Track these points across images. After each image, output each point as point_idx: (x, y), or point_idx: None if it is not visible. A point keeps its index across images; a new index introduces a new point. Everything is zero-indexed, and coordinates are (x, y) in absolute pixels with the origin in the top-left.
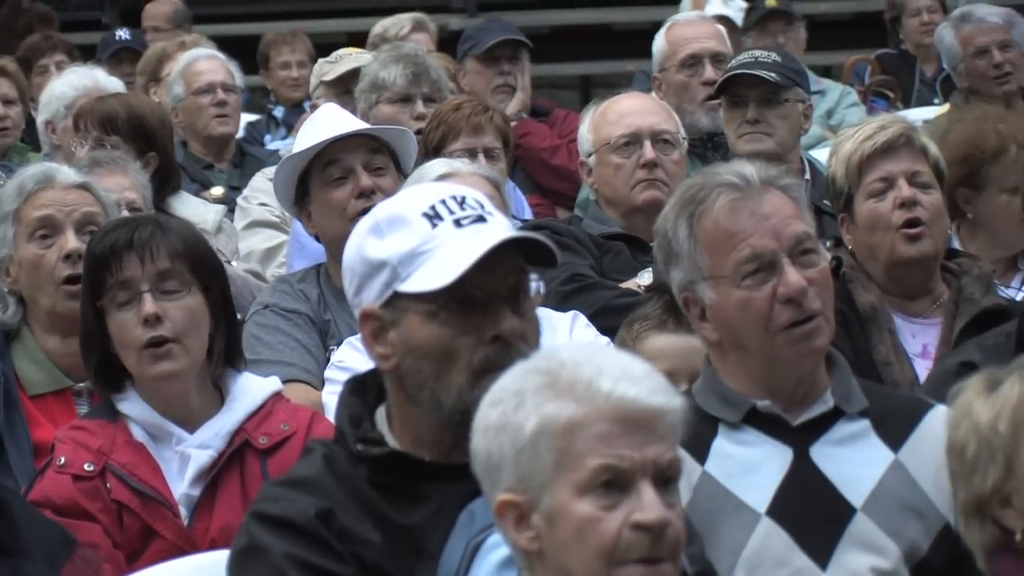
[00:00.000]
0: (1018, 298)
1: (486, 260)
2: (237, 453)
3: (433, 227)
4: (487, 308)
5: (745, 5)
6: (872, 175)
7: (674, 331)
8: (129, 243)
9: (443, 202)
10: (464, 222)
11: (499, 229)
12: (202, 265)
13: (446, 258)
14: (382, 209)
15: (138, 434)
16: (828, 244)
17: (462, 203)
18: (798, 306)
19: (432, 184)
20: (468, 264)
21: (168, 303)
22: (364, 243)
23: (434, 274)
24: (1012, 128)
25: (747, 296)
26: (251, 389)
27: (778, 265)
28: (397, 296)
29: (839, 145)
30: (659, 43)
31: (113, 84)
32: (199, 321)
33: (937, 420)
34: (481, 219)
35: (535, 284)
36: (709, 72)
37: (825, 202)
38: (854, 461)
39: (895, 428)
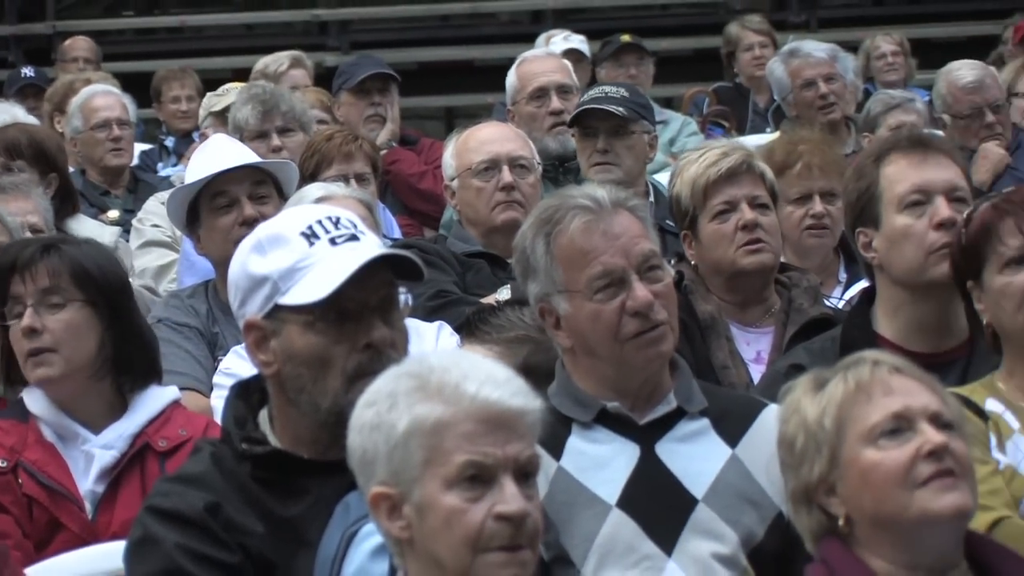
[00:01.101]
0: (840, 306)
1: (359, 275)
2: (138, 454)
3: (310, 245)
4: (360, 319)
5: (583, 38)
6: (717, 199)
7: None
8: (13, 264)
9: (319, 222)
10: (339, 240)
11: (370, 247)
12: (88, 281)
13: (322, 273)
14: (264, 229)
15: (47, 434)
16: (672, 260)
17: (337, 223)
18: (645, 317)
19: (309, 206)
20: (343, 279)
21: (49, 316)
22: (248, 260)
23: (312, 288)
24: (806, 147)
25: (598, 308)
26: (152, 397)
27: (627, 281)
28: (278, 308)
29: (684, 168)
30: (511, 78)
31: (30, 119)
32: (80, 332)
33: (769, 417)
34: (354, 238)
35: (403, 297)
36: (555, 103)
37: (668, 222)
38: (695, 456)
39: (732, 425)
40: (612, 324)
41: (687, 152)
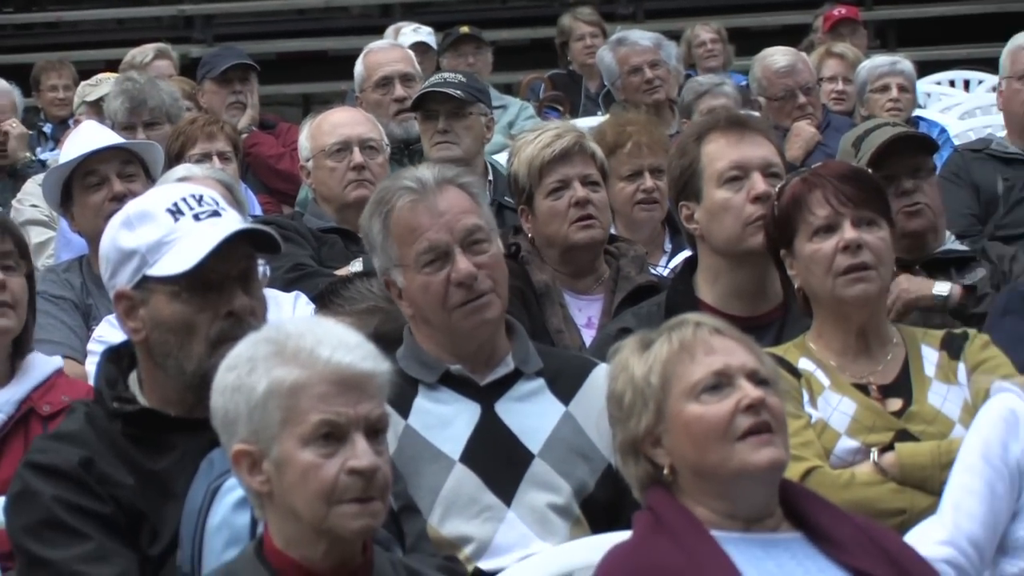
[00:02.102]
0: (665, 274)
1: (221, 248)
2: (24, 418)
3: (176, 221)
4: (222, 288)
5: (429, 30)
6: (551, 177)
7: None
8: None
9: (184, 200)
10: (202, 216)
11: (232, 222)
12: (26, 255)
13: (187, 247)
14: (132, 206)
15: None
16: (511, 233)
17: (200, 200)
18: (469, 288)
19: (175, 184)
20: (205, 252)
21: (9, 277)
22: (117, 235)
23: (177, 260)
24: (634, 128)
25: (427, 280)
26: (38, 365)
27: (451, 254)
28: (146, 279)
29: (520, 148)
30: (358, 68)
31: None
32: (25, 298)
33: (599, 376)
34: (216, 213)
35: (262, 268)
36: (398, 90)
37: (506, 198)
38: (532, 414)
39: (565, 385)
40: (440, 295)
41: (523, 133)
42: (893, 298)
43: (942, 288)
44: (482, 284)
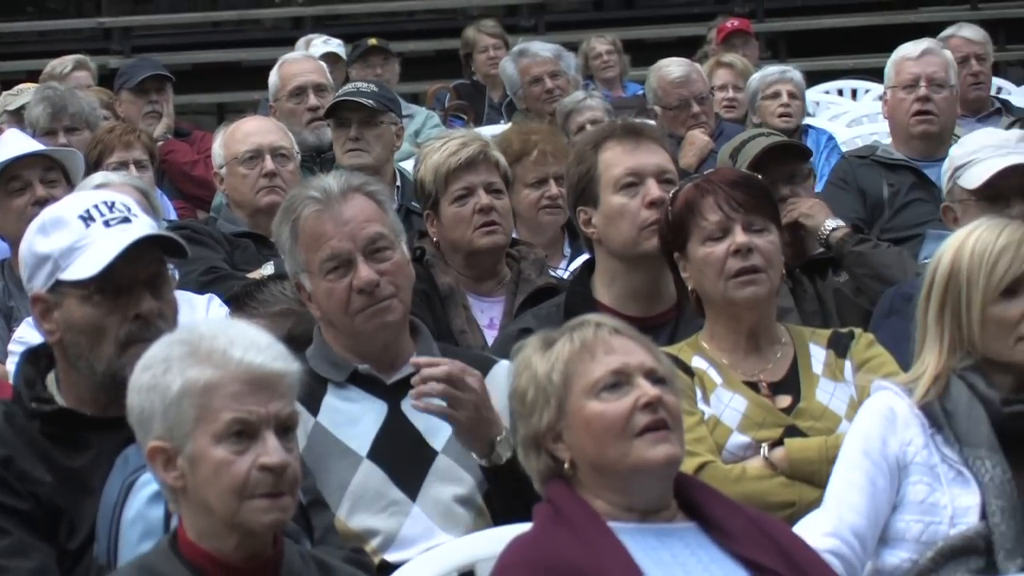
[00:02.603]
0: (564, 277)
1: (129, 253)
2: None
3: (87, 227)
4: (130, 292)
5: (339, 42)
6: (456, 184)
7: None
8: None
9: (96, 207)
10: (112, 223)
11: (141, 228)
12: None
13: (96, 252)
14: (47, 213)
15: None
16: (416, 238)
17: (112, 207)
18: (370, 294)
19: (89, 192)
20: (112, 256)
21: None
22: (33, 240)
23: (87, 265)
24: (538, 137)
25: (331, 287)
26: None
27: (353, 262)
28: (59, 283)
29: (427, 156)
30: (272, 78)
31: None
32: None
33: (501, 373)
34: (127, 220)
35: (172, 272)
36: (312, 99)
37: (413, 203)
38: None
39: None
40: (343, 300)
41: (430, 141)
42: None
43: (832, 223)
44: (384, 290)
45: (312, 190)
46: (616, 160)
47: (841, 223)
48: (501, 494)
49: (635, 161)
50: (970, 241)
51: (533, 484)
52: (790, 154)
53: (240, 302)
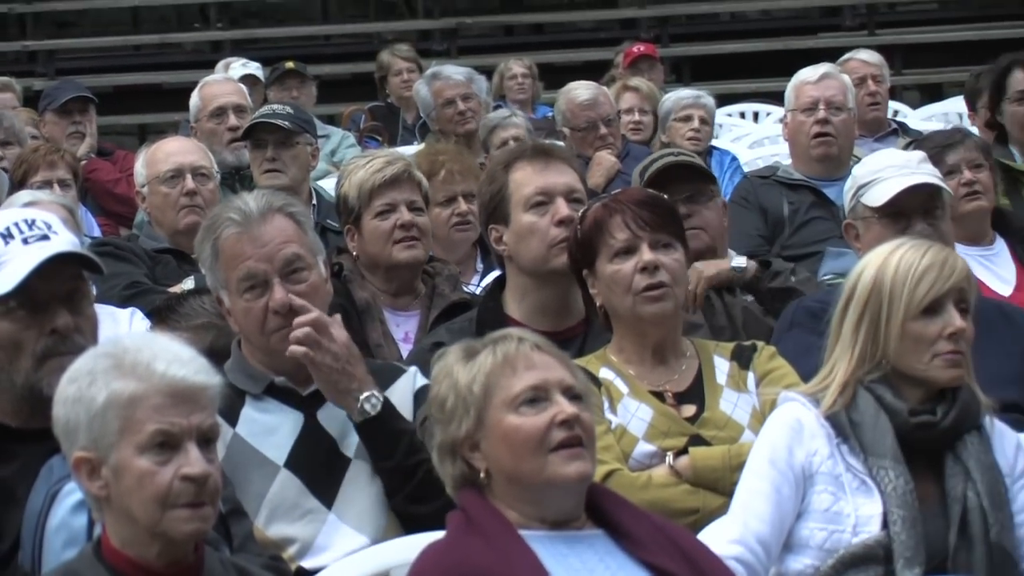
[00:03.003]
0: (477, 292)
1: (45, 269)
2: None
3: (6, 244)
4: (47, 307)
5: (258, 65)
6: (380, 200)
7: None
8: None
9: (16, 225)
10: (31, 240)
11: (58, 245)
12: None
13: (13, 269)
14: None
15: None
16: (334, 254)
17: (31, 225)
18: (284, 316)
19: (10, 211)
20: (27, 273)
21: None
22: None
23: (3, 281)
24: (446, 157)
25: (248, 306)
26: None
27: (269, 283)
28: None
29: (352, 172)
30: (194, 99)
31: None
32: None
33: (406, 380)
34: (45, 237)
35: (92, 287)
36: (232, 120)
37: (329, 221)
38: (349, 420)
39: (379, 388)
40: (259, 320)
41: (355, 158)
42: (695, 282)
43: (739, 261)
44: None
45: (233, 211)
46: (526, 180)
47: (742, 260)
48: (373, 448)
49: (544, 181)
50: (894, 259)
51: (400, 443)
52: (691, 174)
53: (162, 315)
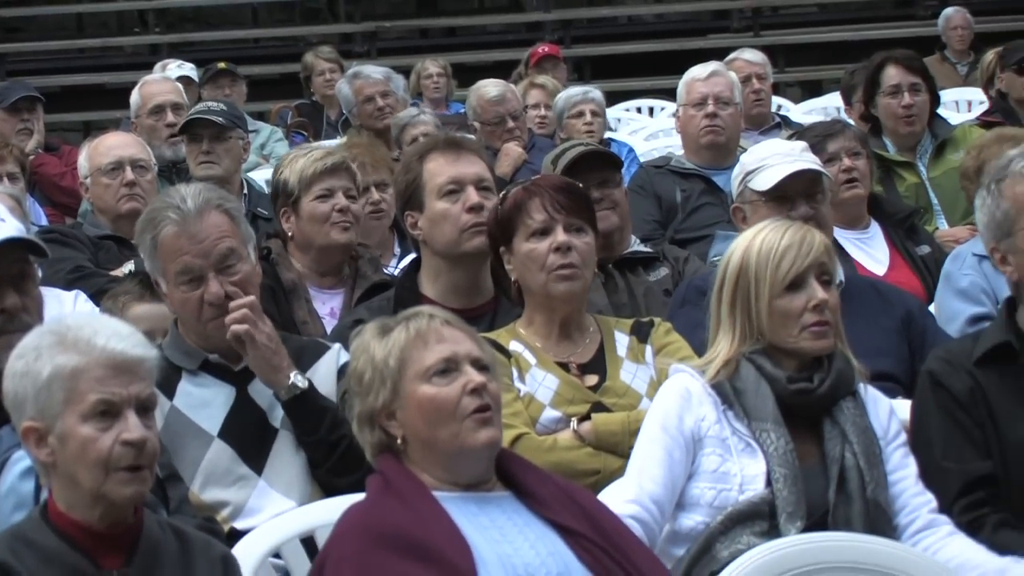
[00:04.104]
0: (396, 274)
1: None
2: None
3: None
4: None
5: (192, 66)
6: (319, 185)
7: (150, 301)
8: None
9: None
10: None
11: (6, 231)
12: None
13: None
14: None
15: None
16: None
17: None
18: (219, 307)
19: None
20: None
21: None
22: None
23: None
24: (358, 150)
25: (185, 297)
26: None
27: (205, 277)
28: None
29: (293, 160)
30: (134, 97)
31: None
32: None
33: (330, 355)
34: None
35: (38, 270)
36: (170, 117)
37: (259, 209)
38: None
39: (304, 365)
40: (195, 310)
41: (296, 149)
42: None
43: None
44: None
45: (171, 208)
46: (439, 170)
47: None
48: (298, 424)
49: (456, 170)
50: (757, 240)
51: (324, 419)
52: (601, 162)
53: (104, 297)
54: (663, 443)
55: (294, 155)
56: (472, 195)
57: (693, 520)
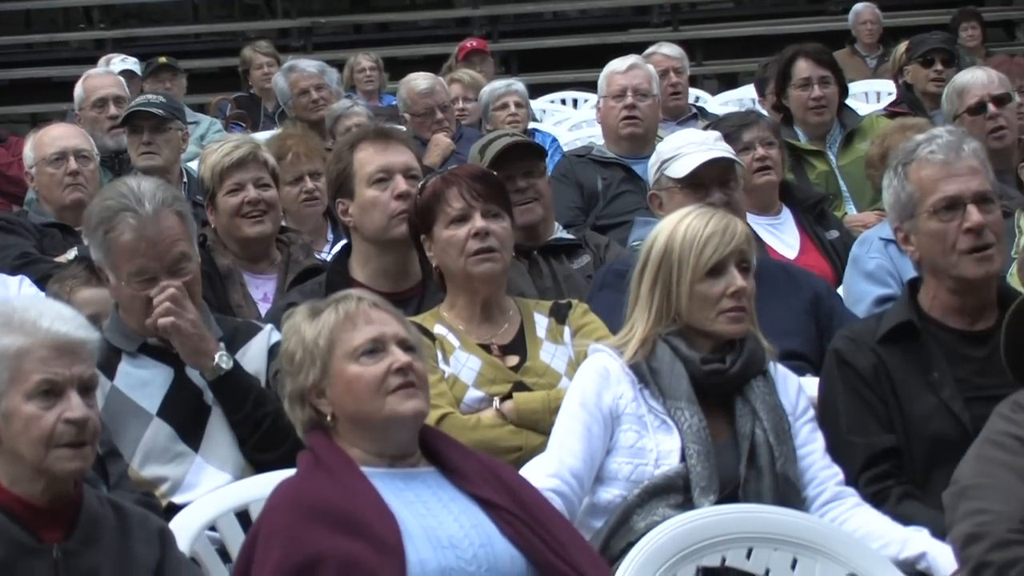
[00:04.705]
0: (327, 259)
1: None
2: None
3: None
4: None
5: (136, 60)
6: (230, 180)
7: (96, 286)
8: None
9: None
10: None
11: None
12: None
13: None
14: None
15: None
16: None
17: None
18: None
19: None
20: None
21: None
22: None
23: None
24: (292, 141)
25: (135, 294)
26: None
27: (158, 278)
28: None
29: (207, 155)
30: (78, 91)
31: None
32: None
33: (262, 336)
34: None
35: None
36: (112, 109)
37: (198, 197)
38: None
39: (239, 345)
40: (143, 307)
41: (211, 143)
42: None
43: None
44: (184, 300)
45: (129, 212)
46: (368, 159)
47: None
48: (224, 402)
49: (385, 159)
50: (682, 226)
51: (248, 396)
52: (526, 152)
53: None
54: (582, 419)
55: (208, 151)
56: (400, 183)
57: (611, 493)
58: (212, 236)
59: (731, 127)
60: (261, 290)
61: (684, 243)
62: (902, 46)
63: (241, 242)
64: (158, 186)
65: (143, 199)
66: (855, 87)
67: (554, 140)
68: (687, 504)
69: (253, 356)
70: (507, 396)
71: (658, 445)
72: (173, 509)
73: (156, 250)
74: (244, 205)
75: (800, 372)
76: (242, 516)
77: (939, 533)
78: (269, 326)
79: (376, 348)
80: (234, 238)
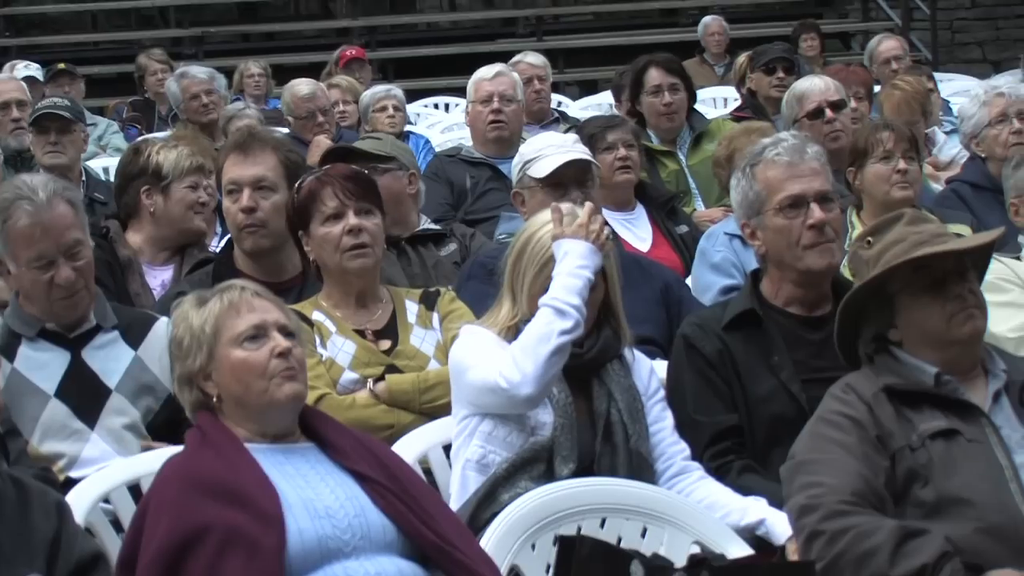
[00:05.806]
0: (218, 252)
1: None
2: None
3: None
4: None
5: (38, 67)
6: (191, 177)
7: None
8: None
9: None
10: None
11: None
12: None
13: None
14: None
15: None
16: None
17: None
18: (67, 288)
19: None
20: None
21: None
22: None
23: None
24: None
25: (35, 279)
26: None
27: (56, 263)
28: None
29: (168, 149)
30: None
31: None
32: None
33: (161, 327)
34: None
35: None
36: (14, 112)
37: (96, 194)
38: (110, 358)
39: (135, 335)
40: (44, 291)
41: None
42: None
43: None
44: (76, 284)
45: (24, 201)
46: (227, 169)
47: None
48: None
49: (236, 172)
50: (539, 234)
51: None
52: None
53: None
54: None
55: (164, 144)
56: (244, 198)
57: (500, 456)
58: (116, 228)
59: (597, 128)
60: (159, 279)
61: (533, 251)
62: (742, 57)
63: (180, 232)
64: (49, 178)
65: (36, 189)
66: (703, 93)
67: (427, 141)
68: (548, 475)
69: (153, 347)
70: (380, 378)
71: (536, 415)
72: (70, 483)
73: (51, 235)
74: (197, 204)
75: (651, 356)
76: (134, 489)
77: (776, 502)
78: (164, 318)
79: (258, 334)
80: (172, 225)
